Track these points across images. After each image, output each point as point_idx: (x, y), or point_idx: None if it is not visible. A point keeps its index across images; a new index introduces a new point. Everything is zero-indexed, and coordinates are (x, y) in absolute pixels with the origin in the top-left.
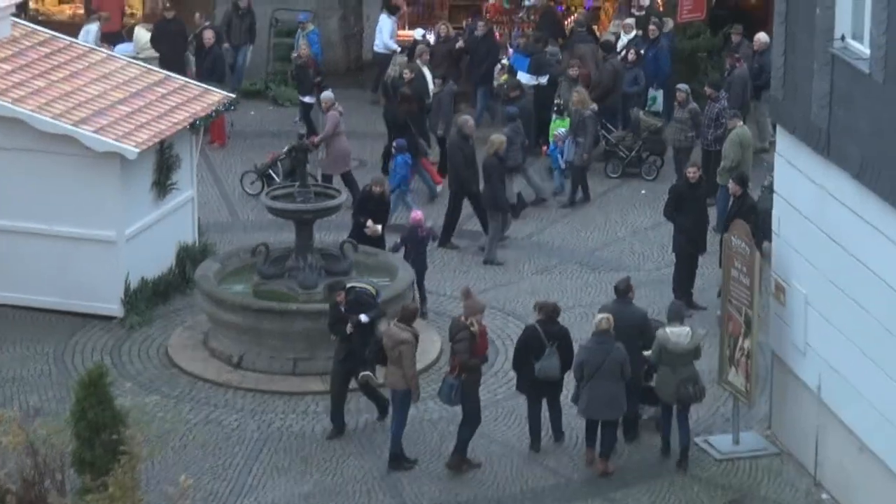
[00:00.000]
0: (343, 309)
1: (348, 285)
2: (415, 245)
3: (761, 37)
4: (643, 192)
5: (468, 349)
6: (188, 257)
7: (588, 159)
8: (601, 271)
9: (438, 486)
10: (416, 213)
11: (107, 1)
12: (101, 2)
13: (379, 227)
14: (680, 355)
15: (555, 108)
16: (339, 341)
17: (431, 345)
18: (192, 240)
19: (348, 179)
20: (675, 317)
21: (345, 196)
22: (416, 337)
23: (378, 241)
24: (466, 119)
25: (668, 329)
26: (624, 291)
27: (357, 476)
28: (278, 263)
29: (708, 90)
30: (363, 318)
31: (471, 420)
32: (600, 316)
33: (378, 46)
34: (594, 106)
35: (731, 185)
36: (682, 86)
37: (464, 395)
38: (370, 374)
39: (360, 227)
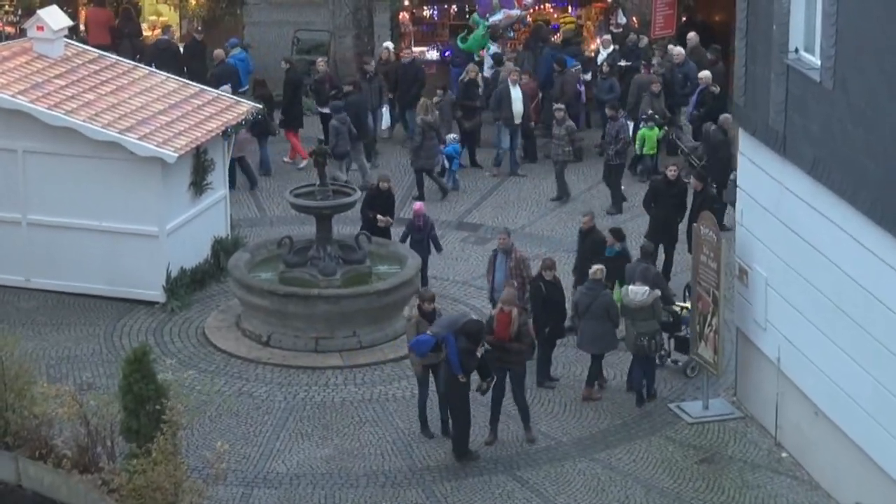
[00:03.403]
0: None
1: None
2: (417, 233)
3: (678, 49)
4: (623, 187)
5: (486, 327)
6: (222, 249)
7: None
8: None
9: (445, 449)
10: (416, 205)
11: (94, 17)
12: (90, 17)
13: (390, 219)
14: (636, 310)
15: (643, 117)
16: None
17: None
18: (225, 233)
19: (243, 165)
20: (638, 276)
21: (359, 193)
22: (416, 319)
23: (385, 232)
24: None
25: (629, 287)
26: (648, 253)
27: (372, 441)
28: (301, 254)
29: (609, 111)
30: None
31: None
32: (595, 267)
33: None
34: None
35: (693, 180)
36: (559, 105)
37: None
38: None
39: (370, 221)
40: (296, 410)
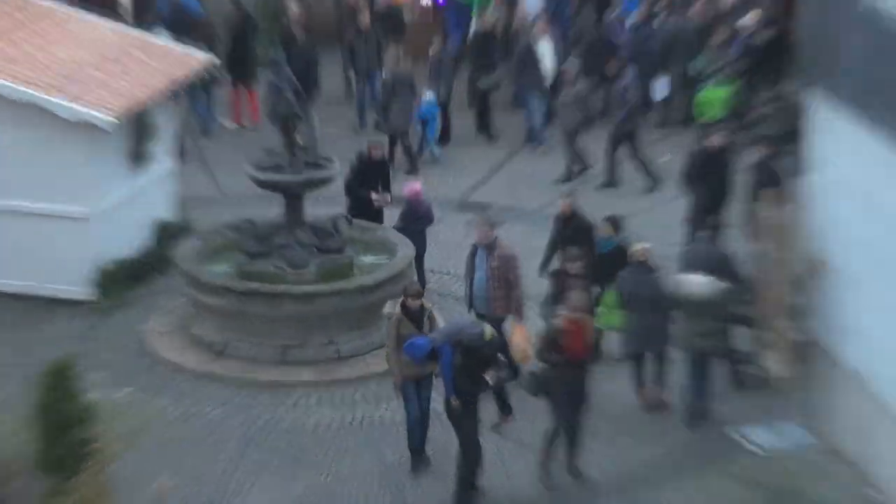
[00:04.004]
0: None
1: (485, 330)
2: (413, 220)
3: (746, 20)
4: (666, 157)
5: (548, 340)
6: (167, 235)
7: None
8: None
9: (445, 487)
10: (414, 186)
11: None
12: None
13: (388, 196)
14: (694, 304)
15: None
16: (471, 398)
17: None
18: (172, 216)
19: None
20: (701, 262)
21: (338, 166)
22: (398, 317)
23: (375, 215)
24: None
25: (687, 276)
26: (714, 227)
27: (354, 476)
28: (265, 241)
29: (613, 66)
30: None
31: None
32: (637, 246)
33: None
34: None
35: (757, 148)
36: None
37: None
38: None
39: (360, 201)
40: (258, 438)
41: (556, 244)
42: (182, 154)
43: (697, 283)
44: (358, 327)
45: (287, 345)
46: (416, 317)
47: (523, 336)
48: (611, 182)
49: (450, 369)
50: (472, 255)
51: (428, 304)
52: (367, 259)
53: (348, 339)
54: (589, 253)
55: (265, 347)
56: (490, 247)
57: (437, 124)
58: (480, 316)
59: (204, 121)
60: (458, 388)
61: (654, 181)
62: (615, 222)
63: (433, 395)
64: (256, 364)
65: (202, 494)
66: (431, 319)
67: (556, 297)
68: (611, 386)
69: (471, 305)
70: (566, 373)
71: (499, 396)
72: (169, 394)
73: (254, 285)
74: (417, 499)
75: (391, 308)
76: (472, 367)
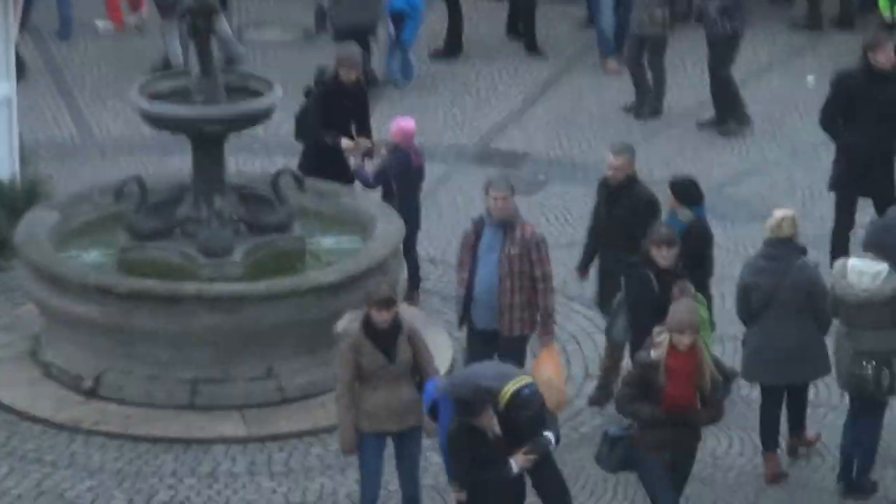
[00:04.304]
0: (493, 434)
1: (505, 389)
2: (404, 181)
3: None
4: (810, 78)
5: (636, 384)
6: (3, 203)
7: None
8: (734, 221)
9: None
10: (405, 122)
11: None
12: None
13: (368, 142)
14: (857, 307)
15: None
16: (482, 491)
17: (436, 350)
18: (10, 173)
19: None
20: (871, 244)
21: (279, 92)
22: (354, 339)
23: (341, 171)
24: None
25: (850, 261)
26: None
27: None
28: (163, 213)
29: None
30: (552, 441)
31: None
32: (779, 214)
33: None
34: None
35: None
36: None
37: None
38: None
39: (319, 151)
40: None
41: (601, 227)
42: (23, 71)
43: (874, 273)
44: (311, 351)
45: (198, 378)
46: (385, 338)
47: (556, 366)
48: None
49: (447, 440)
50: (475, 236)
51: (406, 318)
52: (328, 242)
53: (296, 371)
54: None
55: (164, 383)
56: (507, 225)
57: (418, 22)
58: (481, 335)
59: (62, 18)
60: (459, 473)
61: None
62: (688, 189)
63: (428, 458)
64: (149, 409)
65: None
66: (415, 343)
67: (635, 307)
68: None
69: (464, 318)
70: (667, 434)
71: (543, 484)
72: (9, 457)
73: (145, 284)
74: None
75: (347, 323)
76: (477, 441)
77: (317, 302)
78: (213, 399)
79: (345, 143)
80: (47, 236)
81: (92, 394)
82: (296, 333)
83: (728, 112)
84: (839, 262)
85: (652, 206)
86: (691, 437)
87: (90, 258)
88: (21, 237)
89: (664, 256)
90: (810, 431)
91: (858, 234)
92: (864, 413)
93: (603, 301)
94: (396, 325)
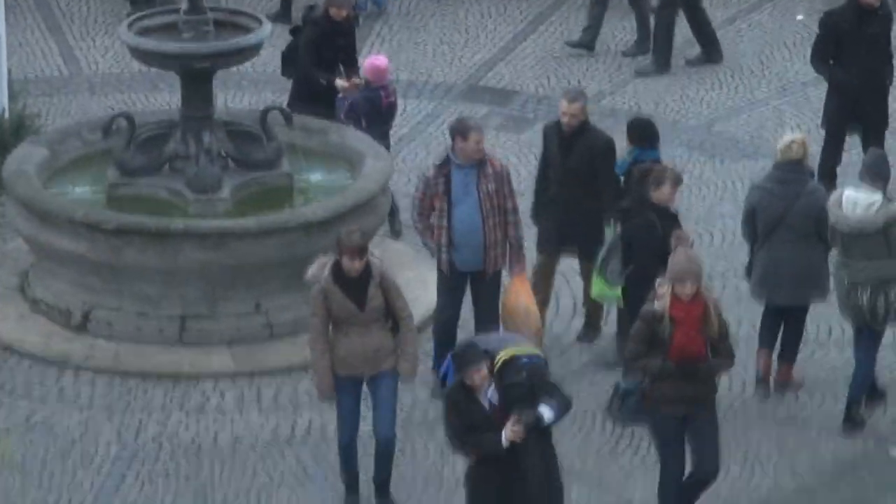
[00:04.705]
0: (490, 401)
1: (501, 353)
2: (374, 119)
3: None
4: (800, 17)
5: (642, 339)
6: None
7: None
8: (723, 159)
9: None
10: (377, 60)
11: None
12: None
13: (358, 79)
14: (851, 237)
15: None
16: (476, 464)
17: (420, 289)
18: None
19: None
20: (868, 173)
21: (268, 28)
22: (323, 286)
23: (328, 106)
24: None
25: (845, 191)
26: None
27: None
28: (151, 149)
29: None
30: (547, 413)
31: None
32: (789, 137)
33: None
34: None
35: None
36: None
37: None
38: None
39: (307, 87)
40: (141, 461)
41: (556, 174)
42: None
43: (867, 204)
44: (299, 287)
45: (187, 315)
46: (355, 286)
47: (529, 295)
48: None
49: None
50: (444, 181)
51: (377, 264)
52: (316, 178)
53: (285, 306)
54: (608, 187)
55: (152, 318)
56: (480, 164)
57: None
58: (460, 278)
59: None
60: (452, 434)
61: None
62: (643, 129)
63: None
64: (138, 344)
65: None
66: (386, 288)
67: (640, 253)
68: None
69: (448, 261)
70: (679, 388)
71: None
72: None
73: (133, 220)
74: None
75: (317, 269)
76: (471, 404)
77: (305, 238)
78: (201, 334)
79: (339, 83)
80: (36, 172)
81: (81, 329)
82: (284, 269)
83: (658, 51)
84: (835, 193)
85: (611, 149)
86: (704, 389)
87: (79, 194)
88: (9, 173)
89: (669, 197)
90: (798, 373)
91: (846, 171)
92: (862, 340)
93: (566, 249)
94: (367, 273)
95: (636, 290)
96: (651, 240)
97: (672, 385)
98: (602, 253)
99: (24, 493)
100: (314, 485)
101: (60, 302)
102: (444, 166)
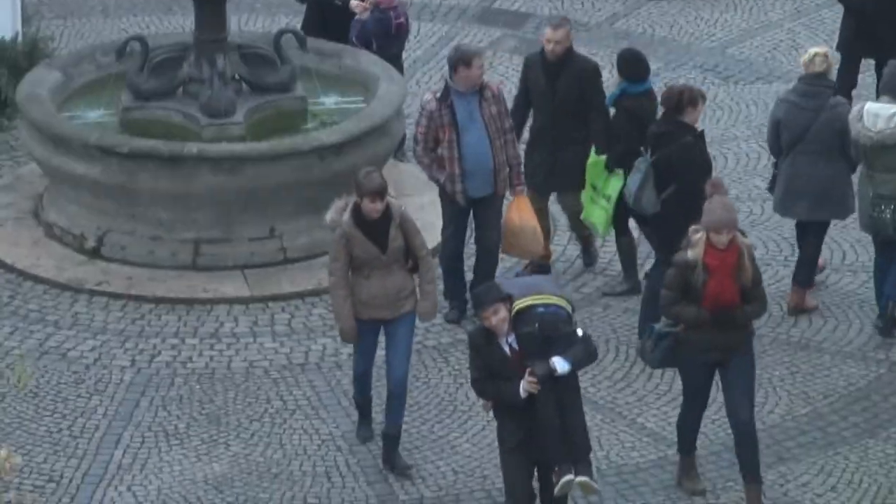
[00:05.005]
0: (511, 346)
1: (519, 301)
2: (384, 41)
3: None
4: None
5: (676, 286)
6: (5, 62)
7: None
8: (737, 81)
9: (446, 461)
10: None
11: None
12: None
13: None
14: (873, 150)
15: None
16: (502, 412)
17: (433, 215)
18: (12, 32)
19: None
20: (888, 86)
21: None
22: (345, 231)
23: (341, 31)
24: None
25: (866, 104)
26: None
27: (308, 447)
28: (164, 72)
29: None
30: (560, 365)
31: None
32: (812, 50)
33: None
34: None
35: None
36: None
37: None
38: (580, 477)
39: (321, 7)
40: (155, 387)
41: (542, 103)
42: None
43: (889, 116)
44: (313, 212)
45: (201, 239)
46: (376, 228)
47: (530, 210)
48: None
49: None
50: (449, 111)
51: (396, 204)
52: (331, 101)
53: (299, 231)
54: (599, 114)
55: (166, 243)
56: (481, 90)
57: None
58: (468, 206)
59: None
60: (473, 376)
61: None
62: (631, 63)
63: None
64: (152, 269)
65: (64, 475)
66: (406, 229)
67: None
68: None
69: (462, 190)
70: (713, 335)
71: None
72: (11, 317)
73: (147, 144)
74: (409, 483)
75: (336, 214)
76: (492, 348)
77: (319, 162)
78: (215, 259)
79: (354, 3)
80: (49, 96)
81: (95, 254)
82: (298, 194)
83: None
84: (856, 106)
85: (598, 74)
86: (738, 336)
87: (92, 118)
88: (23, 96)
89: (698, 117)
90: (811, 299)
91: (861, 95)
92: (884, 255)
93: (555, 183)
94: (387, 214)
95: (678, 213)
96: (695, 159)
97: (706, 333)
98: (637, 182)
99: (38, 418)
100: (327, 411)
101: (74, 226)
102: (446, 97)
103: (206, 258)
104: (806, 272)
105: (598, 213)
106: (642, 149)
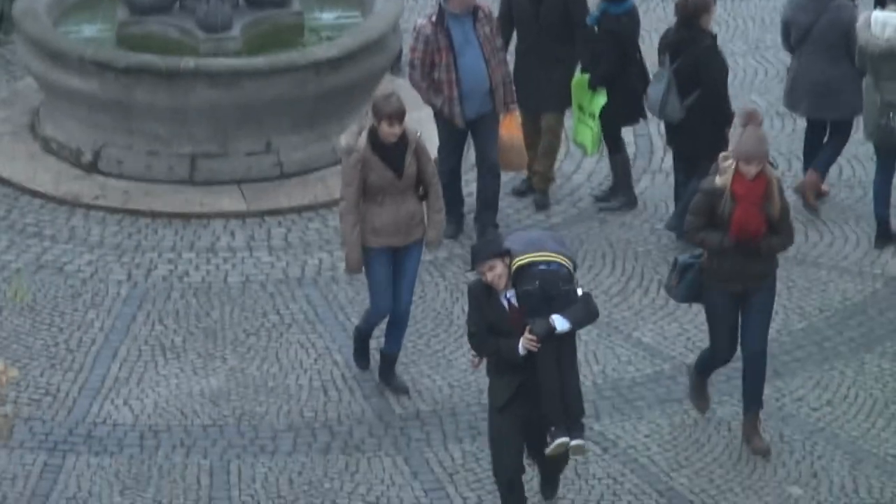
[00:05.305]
0: (510, 301)
1: (520, 257)
2: None
3: None
4: None
5: (702, 212)
6: None
7: None
8: None
9: (447, 381)
10: None
11: None
12: None
13: None
14: (881, 58)
15: None
16: (495, 369)
17: (433, 129)
18: None
19: None
20: None
21: None
22: (361, 155)
23: None
24: None
25: (874, 12)
26: None
27: (305, 362)
28: None
29: None
30: (560, 323)
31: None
32: None
33: None
34: None
35: None
36: None
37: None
38: (575, 440)
39: None
40: (152, 301)
41: (527, 29)
42: None
43: (889, 24)
44: (310, 126)
45: (198, 153)
46: (393, 153)
47: (519, 128)
48: None
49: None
50: (445, 34)
51: (411, 129)
52: (327, 17)
53: (295, 145)
54: (582, 33)
55: (163, 158)
56: (474, 11)
57: None
58: (466, 128)
59: None
60: (470, 330)
61: None
62: None
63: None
64: (148, 184)
65: (61, 389)
66: (420, 156)
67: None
68: None
69: (461, 116)
70: (737, 264)
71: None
72: (9, 231)
73: (144, 59)
74: (405, 400)
75: (350, 138)
76: (491, 301)
77: (315, 77)
78: (212, 174)
79: None
80: (46, 10)
81: (91, 168)
82: (294, 108)
83: None
84: (863, 15)
85: None
86: (763, 267)
87: (89, 32)
88: (19, 11)
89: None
90: (825, 186)
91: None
92: (884, 171)
93: (544, 104)
94: (404, 139)
95: (705, 117)
96: (716, 62)
97: (730, 262)
98: (659, 91)
99: (35, 332)
100: (324, 325)
101: (71, 141)
102: (440, 21)
103: (203, 172)
104: (824, 164)
105: (585, 132)
106: (659, 58)
